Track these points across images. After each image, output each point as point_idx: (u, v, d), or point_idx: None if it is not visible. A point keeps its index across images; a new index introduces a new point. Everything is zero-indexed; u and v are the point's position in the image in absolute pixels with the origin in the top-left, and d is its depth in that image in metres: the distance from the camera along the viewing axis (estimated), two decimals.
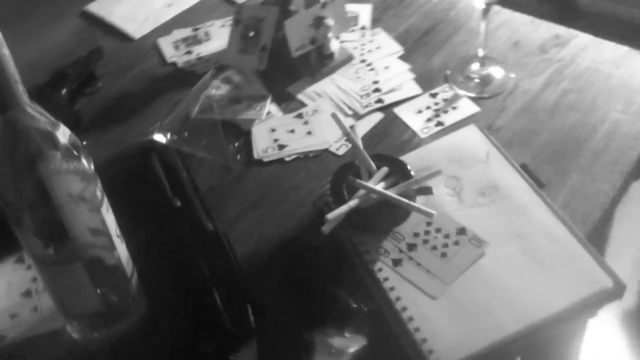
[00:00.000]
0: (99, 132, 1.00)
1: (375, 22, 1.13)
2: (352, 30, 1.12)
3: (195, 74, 1.07)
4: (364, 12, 1.15)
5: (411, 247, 0.79)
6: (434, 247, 0.79)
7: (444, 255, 0.78)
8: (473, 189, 0.83)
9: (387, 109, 0.99)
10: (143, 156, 0.93)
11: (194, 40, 1.13)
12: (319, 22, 1.01)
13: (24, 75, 0.60)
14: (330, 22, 1.01)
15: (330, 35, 1.02)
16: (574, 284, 0.74)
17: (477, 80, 1.01)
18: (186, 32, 1.15)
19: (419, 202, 0.82)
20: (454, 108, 0.98)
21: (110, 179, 0.94)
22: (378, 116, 0.99)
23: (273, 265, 0.81)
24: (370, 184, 0.80)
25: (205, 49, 1.12)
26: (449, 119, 0.96)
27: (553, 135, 0.92)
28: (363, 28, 1.12)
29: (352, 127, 0.85)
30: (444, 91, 1.01)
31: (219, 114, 0.99)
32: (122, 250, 0.73)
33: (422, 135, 0.94)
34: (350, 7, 1.15)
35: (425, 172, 0.81)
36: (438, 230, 0.80)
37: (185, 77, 1.06)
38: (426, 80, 1.03)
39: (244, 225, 0.87)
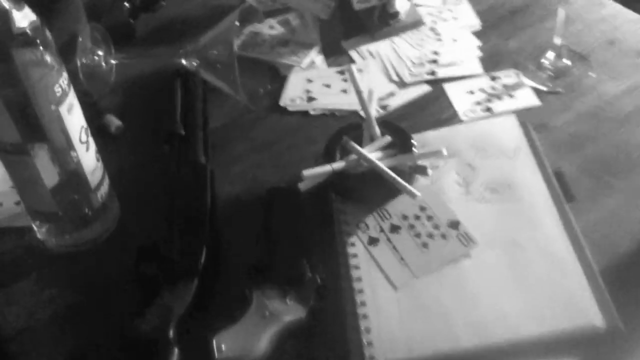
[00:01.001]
0: (146, 49, 0.98)
1: None
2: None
3: (261, 11, 1.03)
4: None
5: (394, 228, 0.71)
6: (418, 235, 0.70)
7: (424, 245, 0.69)
8: (485, 181, 0.73)
9: (437, 83, 0.90)
10: (168, 78, 0.90)
11: None
12: None
13: None
14: None
15: None
16: (556, 312, 0.62)
17: (550, 72, 0.89)
18: None
19: (421, 183, 0.73)
20: (511, 96, 0.86)
21: (132, 95, 0.93)
22: (424, 88, 0.89)
23: (251, 212, 0.76)
24: (365, 150, 0.72)
25: None
26: (500, 106, 0.85)
27: (610, 147, 0.78)
28: None
29: (370, 90, 0.77)
30: (508, 76, 0.89)
31: (260, 53, 0.94)
32: (86, 157, 0.70)
33: (463, 118, 0.84)
34: None
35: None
36: (430, 218, 0.71)
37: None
38: (492, 62, 0.92)
39: (241, 167, 0.82)
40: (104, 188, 0.74)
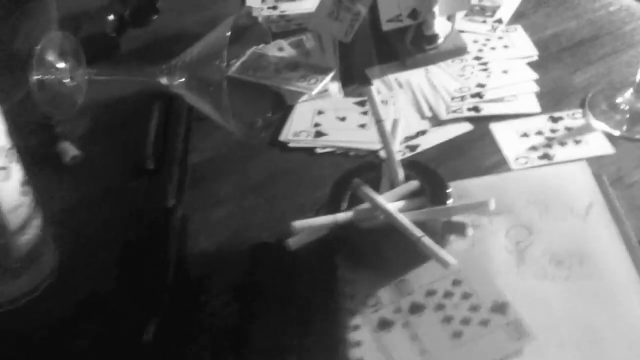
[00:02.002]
0: (130, 66, 0.82)
1: (518, 17, 0.85)
2: (484, 21, 0.84)
3: (270, 30, 0.86)
4: (507, 4, 0.86)
5: (416, 308, 0.51)
6: (448, 319, 0.50)
7: (457, 335, 0.49)
8: (547, 251, 0.53)
9: (481, 121, 0.71)
10: (147, 101, 0.73)
11: None
12: None
13: None
14: None
15: (437, 10, 0.75)
16: None
17: (626, 115, 0.69)
18: None
19: (457, 247, 0.53)
20: (577, 142, 0.67)
21: (102, 119, 0.76)
22: (464, 127, 0.70)
23: (232, 273, 0.57)
24: (382, 198, 0.53)
25: (293, 7, 0.90)
26: (563, 154, 0.66)
27: None
28: (498, 21, 0.84)
29: (395, 120, 0.58)
30: (573, 117, 0.70)
31: (263, 77, 0.76)
32: (3, 189, 0.52)
33: (515, 166, 0.65)
34: None
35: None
36: (466, 296, 0.51)
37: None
38: (553, 99, 0.73)
39: (225, 213, 0.63)
40: (33, 230, 0.56)
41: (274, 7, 0.90)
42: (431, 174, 0.55)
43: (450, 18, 0.79)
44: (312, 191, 0.65)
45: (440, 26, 0.78)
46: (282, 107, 0.75)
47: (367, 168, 0.57)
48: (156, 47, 0.84)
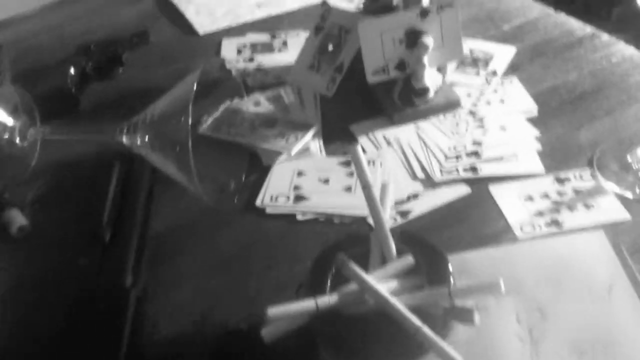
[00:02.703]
0: (89, 124, 0.74)
1: (513, 69, 0.78)
2: (477, 73, 0.78)
3: (246, 85, 0.79)
4: (501, 55, 0.80)
5: None
6: None
7: None
8: (566, 339, 0.45)
9: (479, 183, 0.64)
10: (106, 163, 0.65)
11: (265, 47, 0.85)
12: (413, 37, 0.69)
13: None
14: (428, 41, 0.68)
15: (426, 61, 0.69)
16: None
17: (638, 174, 0.63)
18: (262, 37, 0.88)
19: (461, 335, 0.45)
20: (588, 206, 0.60)
21: (56, 184, 0.68)
22: (461, 190, 0.63)
23: None
24: (372, 277, 0.45)
25: (271, 60, 0.83)
26: (573, 220, 0.58)
27: None
28: (493, 73, 0.77)
29: (384, 185, 0.51)
30: (581, 178, 0.63)
31: (237, 134, 0.69)
32: None
33: (520, 235, 0.57)
34: (485, 46, 0.81)
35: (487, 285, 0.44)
36: None
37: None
38: (557, 158, 0.66)
39: (189, 294, 0.55)
40: None
41: (251, 60, 0.84)
42: (427, 247, 0.47)
43: (442, 70, 0.73)
44: (291, 265, 0.57)
45: (431, 79, 0.71)
46: (258, 168, 0.67)
47: (354, 240, 0.49)
48: (120, 102, 0.77)
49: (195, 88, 0.60)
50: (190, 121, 0.60)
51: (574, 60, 0.79)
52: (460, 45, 0.70)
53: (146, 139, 0.63)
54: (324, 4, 0.80)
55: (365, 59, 0.69)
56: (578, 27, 0.85)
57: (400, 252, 0.48)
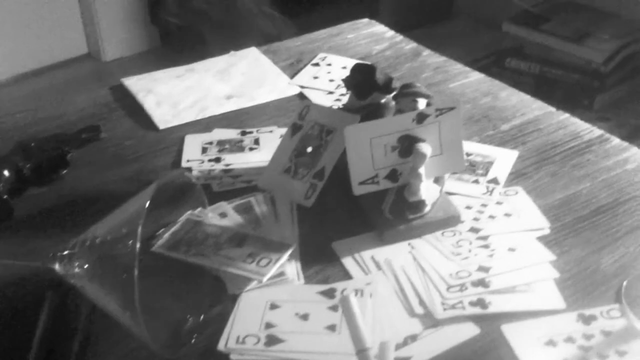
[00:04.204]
0: (23, 238, 0.62)
1: (517, 176, 0.69)
2: (476, 181, 0.68)
3: (210, 189, 0.68)
4: (502, 160, 0.71)
5: None
6: None
7: None
8: None
9: (489, 320, 0.53)
10: (35, 294, 0.53)
11: (234, 146, 0.75)
12: (408, 144, 0.59)
13: None
14: (426, 149, 0.58)
15: (423, 171, 0.59)
16: None
17: None
18: (231, 133, 0.77)
19: None
20: (622, 354, 0.49)
21: None
22: (468, 330, 0.52)
23: None
24: None
25: (240, 160, 0.73)
26: None
27: None
28: (494, 182, 0.68)
29: (384, 346, 0.40)
30: (609, 316, 0.53)
31: (197, 256, 0.58)
32: None
33: None
34: (483, 149, 0.72)
35: None
36: None
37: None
38: (579, 288, 0.56)
39: None
40: None
41: (217, 160, 0.73)
42: None
43: (439, 180, 0.63)
44: None
45: (427, 190, 0.61)
46: (222, 298, 0.56)
47: None
48: (62, 211, 0.65)
49: (147, 206, 0.49)
50: (138, 245, 0.49)
51: (584, 167, 0.70)
52: (461, 154, 0.61)
53: (85, 267, 0.51)
54: (303, 98, 0.71)
55: (351, 168, 0.59)
56: (583, 127, 0.76)
57: None
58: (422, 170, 0.59)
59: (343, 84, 0.70)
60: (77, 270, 0.51)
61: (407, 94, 0.61)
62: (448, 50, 0.96)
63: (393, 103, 0.66)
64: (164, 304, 0.55)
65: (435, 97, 0.62)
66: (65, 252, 0.52)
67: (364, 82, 0.66)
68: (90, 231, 0.52)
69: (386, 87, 0.65)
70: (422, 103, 0.60)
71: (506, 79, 1.75)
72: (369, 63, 0.66)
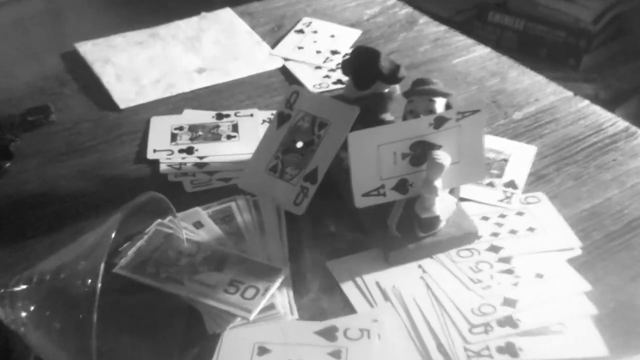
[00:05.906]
0: None
1: (536, 179, 0.60)
2: (490, 184, 0.59)
3: (181, 188, 0.58)
4: (519, 157, 0.62)
5: None
6: None
7: None
8: None
9: None
10: None
11: (209, 133, 0.65)
12: (421, 151, 0.49)
13: None
14: (444, 159, 0.49)
15: (438, 184, 0.50)
16: None
17: None
18: (205, 116, 0.67)
19: None
20: None
21: None
22: None
23: None
24: None
25: (216, 151, 0.63)
26: None
27: None
28: (511, 185, 0.59)
29: None
30: None
31: (167, 283, 0.48)
32: None
33: None
34: (496, 143, 0.63)
35: None
36: None
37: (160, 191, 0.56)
38: (619, 327, 0.48)
39: None
40: None
41: (189, 150, 0.63)
42: None
43: (454, 190, 0.54)
44: None
45: (440, 201, 0.52)
46: (201, 336, 0.46)
47: None
48: (4, 217, 0.55)
49: (110, 242, 0.39)
50: (99, 286, 0.39)
51: (610, 169, 0.61)
52: (482, 163, 0.52)
53: (31, 309, 0.41)
54: (286, 73, 0.60)
55: (354, 178, 0.50)
56: (606, 118, 0.67)
57: None
58: (438, 183, 0.49)
59: (340, 68, 0.60)
60: (22, 314, 0.41)
61: (422, 92, 0.51)
62: (429, 2, 0.86)
63: (398, 92, 0.57)
64: (126, 346, 0.45)
65: (454, 95, 0.52)
66: (6, 291, 0.41)
67: (365, 69, 0.56)
68: (38, 267, 0.42)
69: (392, 77, 0.55)
70: (440, 103, 0.51)
71: (488, 33, 1.68)
72: (372, 47, 0.55)
